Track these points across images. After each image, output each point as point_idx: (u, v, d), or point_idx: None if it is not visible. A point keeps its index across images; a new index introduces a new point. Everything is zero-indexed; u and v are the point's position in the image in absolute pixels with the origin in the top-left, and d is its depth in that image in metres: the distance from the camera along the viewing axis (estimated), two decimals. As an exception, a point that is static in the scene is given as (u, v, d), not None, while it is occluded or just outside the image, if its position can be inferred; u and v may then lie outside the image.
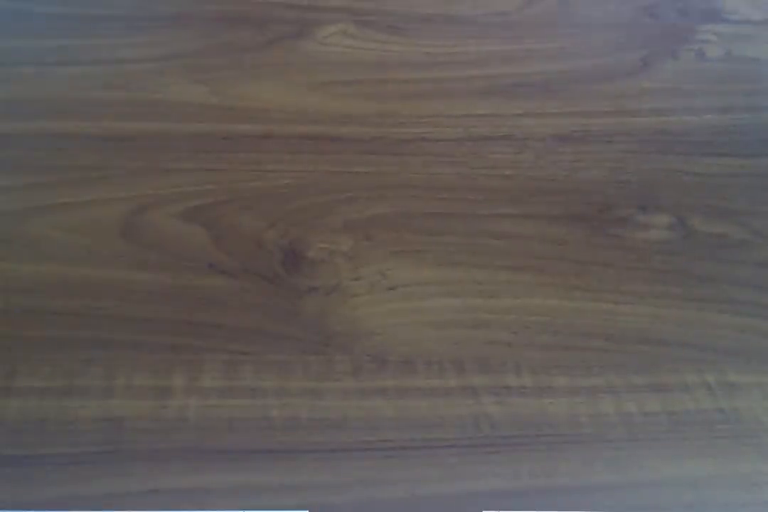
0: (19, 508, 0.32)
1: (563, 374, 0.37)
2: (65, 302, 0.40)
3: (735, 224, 0.44)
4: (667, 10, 0.60)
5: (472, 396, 0.36)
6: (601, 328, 0.39)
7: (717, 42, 0.57)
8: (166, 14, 0.57)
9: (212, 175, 0.45)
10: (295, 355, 0.38)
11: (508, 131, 0.50)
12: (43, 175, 0.46)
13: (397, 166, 0.45)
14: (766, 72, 0.55)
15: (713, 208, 0.45)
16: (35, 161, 0.47)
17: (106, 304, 0.40)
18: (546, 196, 0.46)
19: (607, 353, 0.38)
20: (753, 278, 0.41)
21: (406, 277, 0.41)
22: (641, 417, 0.36)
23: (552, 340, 0.39)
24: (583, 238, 0.43)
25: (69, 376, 0.37)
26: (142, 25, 0.56)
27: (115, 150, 0.47)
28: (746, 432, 0.35)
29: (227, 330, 0.39)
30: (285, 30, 0.52)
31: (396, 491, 0.33)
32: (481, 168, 0.47)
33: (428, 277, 0.41)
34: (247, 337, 0.39)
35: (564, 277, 0.41)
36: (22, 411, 0.35)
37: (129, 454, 0.34)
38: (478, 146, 0.48)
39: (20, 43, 0.55)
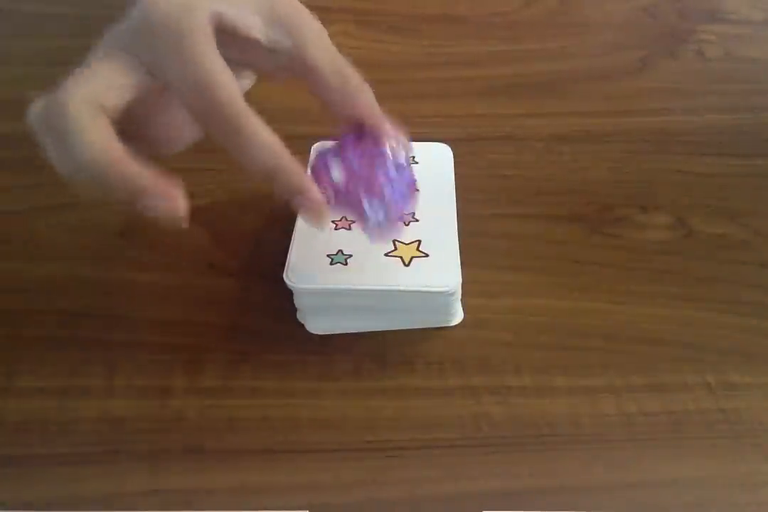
0: (19, 508, 0.32)
1: (563, 374, 0.37)
2: (65, 302, 0.40)
3: (735, 224, 0.44)
4: (667, 10, 0.60)
5: (472, 396, 0.36)
6: (601, 328, 0.39)
7: (717, 42, 0.57)
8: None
9: (212, 175, 0.45)
10: (295, 355, 0.38)
11: (508, 131, 0.50)
12: (44, 175, 0.46)
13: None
14: (766, 72, 0.55)
15: (713, 208, 0.45)
16: (36, 161, 0.47)
17: (106, 304, 0.40)
18: (546, 196, 0.46)
19: (607, 353, 0.38)
20: (753, 278, 0.41)
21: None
22: (641, 417, 0.36)
23: (552, 340, 0.39)
24: (583, 238, 0.43)
25: (69, 376, 0.37)
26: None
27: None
28: (746, 432, 0.35)
29: (227, 330, 0.39)
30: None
31: (396, 491, 0.33)
32: (481, 168, 0.47)
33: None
34: (247, 337, 0.39)
35: (564, 277, 0.41)
36: (22, 411, 0.35)
37: (129, 454, 0.34)
38: (478, 146, 0.48)
39: (21, 43, 0.55)
